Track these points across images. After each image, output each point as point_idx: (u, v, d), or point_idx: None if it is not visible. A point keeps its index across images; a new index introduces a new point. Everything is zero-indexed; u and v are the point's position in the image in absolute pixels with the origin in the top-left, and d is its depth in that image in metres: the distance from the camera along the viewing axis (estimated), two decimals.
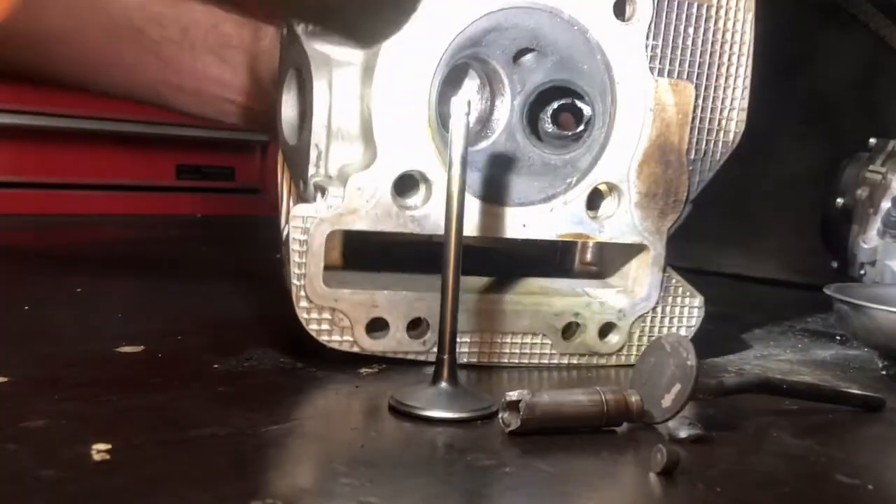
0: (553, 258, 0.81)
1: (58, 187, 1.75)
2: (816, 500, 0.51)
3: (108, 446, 0.49)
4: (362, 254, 0.74)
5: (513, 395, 0.55)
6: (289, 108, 0.75)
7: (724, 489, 0.50)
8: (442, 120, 0.69)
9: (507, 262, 0.77)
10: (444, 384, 0.60)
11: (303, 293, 0.67)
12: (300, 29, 0.70)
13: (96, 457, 0.48)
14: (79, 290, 0.95)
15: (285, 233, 0.71)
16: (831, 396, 0.66)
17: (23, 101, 1.63)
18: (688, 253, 0.74)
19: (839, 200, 1.03)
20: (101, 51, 1.06)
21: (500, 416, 0.56)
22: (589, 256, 0.80)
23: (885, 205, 0.97)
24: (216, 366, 0.68)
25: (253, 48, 0.85)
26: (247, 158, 2.02)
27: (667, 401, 0.57)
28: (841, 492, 0.51)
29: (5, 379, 0.60)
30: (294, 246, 0.66)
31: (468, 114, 0.60)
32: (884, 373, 0.78)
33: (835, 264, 1.05)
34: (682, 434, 0.56)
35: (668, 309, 0.75)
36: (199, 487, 0.45)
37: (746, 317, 0.79)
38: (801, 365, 0.80)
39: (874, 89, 1.22)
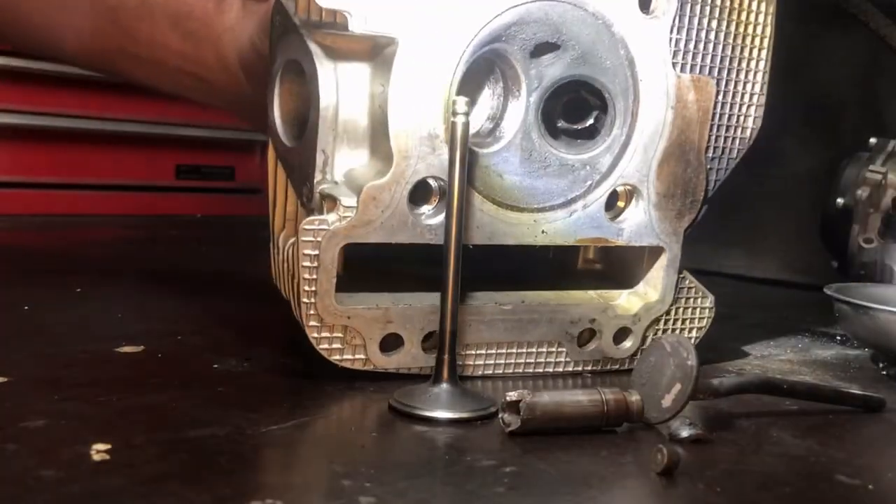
0: (552, 256, 0.78)
1: (58, 187, 1.75)
2: (817, 501, 0.51)
3: (108, 446, 0.49)
4: (366, 259, 0.72)
5: (513, 395, 0.55)
6: (282, 104, 0.70)
7: (725, 489, 0.50)
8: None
9: (514, 262, 0.75)
10: (444, 384, 0.60)
11: (313, 311, 0.63)
12: (298, 18, 0.65)
13: (96, 457, 0.48)
14: (79, 290, 0.95)
15: (282, 242, 0.69)
16: (831, 396, 0.66)
17: (23, 102, 1.63)
18: (688, 253, 0.73)
19: (839, 200, 1.03)
20: (47, 12, 1.00)
21: (500, 416, 0.56)
22: (591, 254, 0.78)
23: (886, 205, 0.97)
24: (216, 366, 0.68)
25: (216, 22, 0.82)
26: (247, 158, 2.02)
27: (667, 401, 0.57)
28: (841, 492, 0.51)
29: (5, 379, 0.60)
30: (304, 262, 0.62)
31: (468, 113, 0.59)
32: (884, 373, 0.78)
33: (835, 264, 1.05)
34: (683, 434, 0.56)
35: (679, 311, 0.74)
36: (199, 487, 0.45)
37: (747, 316, 0.79)
38: (801, 365, 0.80)
39: (874, 89, 1.22)
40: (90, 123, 1.74)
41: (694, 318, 0.75)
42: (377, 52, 0.63)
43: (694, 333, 0.75)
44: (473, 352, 0.68)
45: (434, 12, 0.62)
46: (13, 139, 1.67)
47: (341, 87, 0.63)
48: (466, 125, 0.59)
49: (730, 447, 0.57)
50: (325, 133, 0.64)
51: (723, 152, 0.73)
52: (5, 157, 1.67)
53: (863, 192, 1.00)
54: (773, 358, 0.82)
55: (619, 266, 0.76)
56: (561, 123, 0.71)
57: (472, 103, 0.63)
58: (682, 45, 0.69)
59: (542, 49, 0.67)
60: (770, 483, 0.51)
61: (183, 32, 0.93)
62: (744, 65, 0.71)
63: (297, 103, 0.68)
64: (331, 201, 0.63)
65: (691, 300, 0.74)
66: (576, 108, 0.72)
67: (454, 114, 0.59)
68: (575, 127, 0.70)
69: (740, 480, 0.51)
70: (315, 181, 0.64)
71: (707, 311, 0.75)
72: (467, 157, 0.61)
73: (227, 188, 2.00)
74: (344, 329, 0.64)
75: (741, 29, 0.71)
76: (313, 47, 0.63)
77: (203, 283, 1.04)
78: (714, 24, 0.70)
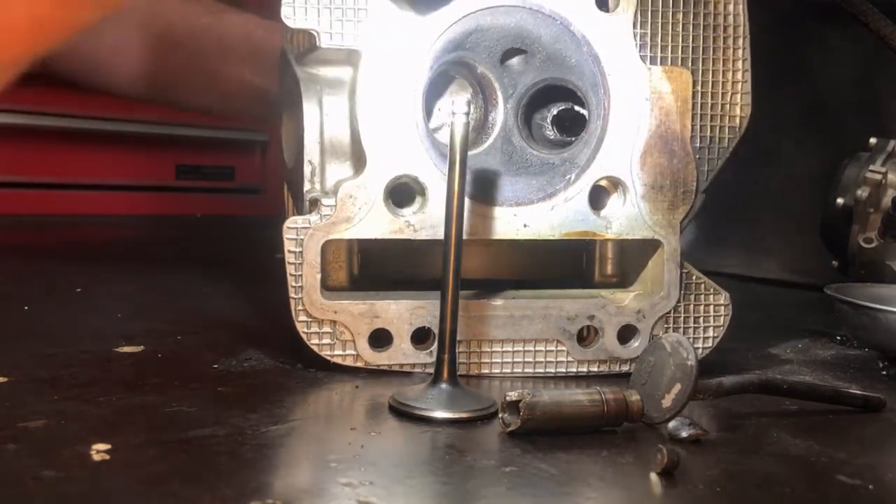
0: (577, 270, 0.78)
1: (58, 187, 1.75)
2: (817, 501, 0.51)
3: (108, 446, 0.49)
4: (372, 275, 0.74)
5: (513, 395, 0.55)
6: (286, 133, 0.75)
7: (725, 489, 0.50)
8: (431, 124, 0.69)
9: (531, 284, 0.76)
10: (444, 384, 0.60)
11: (301, 307, 0.66)
12: (292, 55, 0.70)
13: (96, 457, 0.48)
14: (79, 290, 0.95)
15: None
16: (831, 396, 0.66)
17: (23, 101, 1.63)
18: (688, 253, 0.73)
19: (839, 200, 1.02)
20: (150, 62, 1.17)
21: (500, 416, 0.56)
22: (609, 268, 0.77)
23: (886, 205, 0.97)
24: (216, 366, 0.68)
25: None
26: (247, 158, 2.02)
27: (667, 401, 0.57)
28: (841, 492, 0.51)
29: (5, 379, 0.60)
30: (289, 259, 0.66)
31: (468, 114, 0.60)
32: (884, 373, 0.78)
33: (835, 264, 1.05)
34: (683, 434, 0.56)
35: (691, 308, 0.73)
36: (199, 487, 0.45)
37: (746, 317, 0.79)
38: (801, 365, 0.80)
39: (874, 89, 1.22)
40: (90, 123, 1.74)
41: (709, 317, 0.73)
42: (353, 67, 0.67)
43: (711, 332, 0.73)
44: (465, 349, 0.69)
45: (392, 24, 0.66)
46: (13, 139, 1.66)
47: (325, 104, 0.68)
48: (467, 125, 0.60)
49: (730, 447, 0.57)
50: (311, 145, 0.68)
51: (711, 142, 0.73)
52: (5, 157, 1.66)
53: (863, 192, 1.00)
54: (773, 358, 0.82)
55: (629, 272, 0.76)
56: (554, 135, 0.73)
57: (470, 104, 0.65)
58: (648, 38, 0.70)
59: (510, 55, 0.70)
60: (770, 483, 0.51)
61: (256, 66, 1.09)
62: (720, 54, 0.72)
63: (296, 128, 0.71)
64: (315, 205, 0.66)
65: (702, 297, 0.73)
66: (567, 120, 0.73)
67: (453, 114, 0.60)
68: (570, 139, 0.71)
69: (740, 480, 0.51)
70: (304, 190, 0.68)
71: (723, 308, 0.73)
72: (467, 157, 0.61)
73: (227, 188, 2.00)
74: (332, 324, 0.66)
75: (710, 20, 0.71)
76: (300, 72, 0.69)
77: (203, 283, 1.04)
78: (680, 16, 0.71)
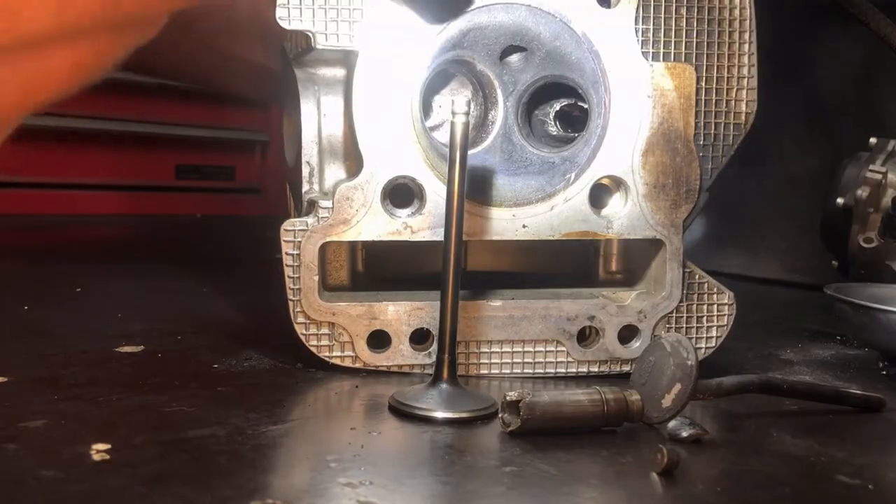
0: (583, 267, 0.78)
1: (58, 187, 1.75)
2: (817, 501, 0.51)
3: (108, 446, 0.49)
4: (376, 272, 0.74)
5: (513, 395, 0.55)
6: (287, 134, 0.75)
7: (725, 489, 0.50)
8: (431, 121, 0.69)
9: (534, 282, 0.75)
10: (444, 384, 0.60)
11: (299, 308, 0.66)
12: (291, 54, 0.70)
13: (96, 457, 0.48)
14: (79, 290, 0.95)
15: None
16: (831, 396, 0.66)
17: None
18: (688, 252, 0.73)
19: (839, 200, 1.03)
20: (158, 40, 1.17)
21: (500, 416, 0.56)
22: (615, 265, 0.77)
23: (886, 205, 0.97)
24: (216, 366, 0.68)
25: None
26: (247, 158, 2.02)
27: (667, 401, 0.57)
28: (841, 492, 0.51)
29: (5, 379, 0.60)
30: (287, 261, 0.66)
31: (468, 113, 0.60)
32: (884, 373, 0.78)
33: (835, 264, 1.05)
34: (683, 434, 0.56)
35: (693, 308, 0.72)
36: (199, 487, 0.45)
37: (746, 316, 0.79)
38: (801, 365, 0.80)
39: (874, 89, 1.22)
40: (90, 123, 1.74)
41: (712, 317, 0.73)
42: (349, 67, 0.67)
43: (714, 332, 0.73)
44: (464, 350, 0.69)
45: (389, 24, 0.65)
46: (13, 139, 1.66)
47: (323, 105, 0.68)
48: (466, 125, 0.60)
49: (730, 447, 0.57)
50: (309, 145, 0.68)
51: (716, 139, 0.72)
52: (6, 157, 1.66)
53: (863, 192, 1.00)
54: (773, 358, 0.82)
55: (633, 271, 0.76)
56: (556, 131, 0.72)
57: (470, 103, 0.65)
58: (651, 34, 0.69)
59: (509, 53, 0.69)
60: (770, 483, 0.51)
61: (266, 47, 1.05)
62: (724, 49, 0.71)
63: (295, 129, 0.71)
64: (313, 206, 0.66)
65: (705, 296, 0.72)
66: (575, 111, 0.73)
67: (453, 114, 0.60)
68: (573, 135, 0.71)
69: (740, 480, 0.51)
70: (303, 191, 0.68)
71: (726, 307, 0.73)
72: (467, 157, 0.61)
73: (227, 188, 2.00)
74: (330, 326, 0.66)
75: (716, 14, 0.70)
76: (298, 73, 0.68)
77: (203, 283, 1.04)
78: (684, 11, 0.70)
